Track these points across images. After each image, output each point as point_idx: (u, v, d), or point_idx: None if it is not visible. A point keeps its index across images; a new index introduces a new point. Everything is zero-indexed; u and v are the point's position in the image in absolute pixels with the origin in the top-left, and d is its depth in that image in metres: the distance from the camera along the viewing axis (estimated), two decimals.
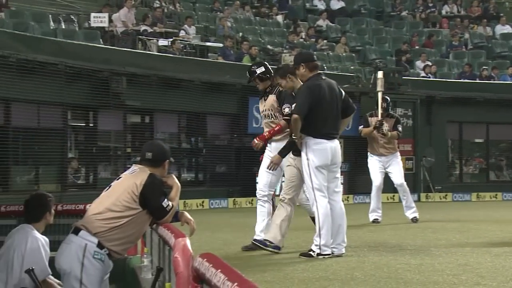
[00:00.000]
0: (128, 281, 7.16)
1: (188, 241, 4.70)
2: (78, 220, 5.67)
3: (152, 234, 6.80)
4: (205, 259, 3.60)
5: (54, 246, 6.09)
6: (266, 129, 8.67)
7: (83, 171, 18.85)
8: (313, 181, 7.74)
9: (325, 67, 21.72)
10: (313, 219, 8.14)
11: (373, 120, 12.39)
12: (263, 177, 8.72)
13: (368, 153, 12.70)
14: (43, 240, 6.18)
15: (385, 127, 12.21)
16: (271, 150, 8.55)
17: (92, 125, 18.90)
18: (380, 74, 12.82)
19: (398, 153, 12.69)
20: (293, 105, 7.85)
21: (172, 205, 5.61)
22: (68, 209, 8.55)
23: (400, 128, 12.54)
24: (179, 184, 5.96)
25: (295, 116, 7.68)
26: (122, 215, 5.42)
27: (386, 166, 12.48)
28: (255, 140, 8.56)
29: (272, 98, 8.61)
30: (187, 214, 5.87)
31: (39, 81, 16.25)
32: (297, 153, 7.93)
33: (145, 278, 6.48)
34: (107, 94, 17.92)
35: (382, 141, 12.39)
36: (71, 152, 18.95)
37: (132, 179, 5.56)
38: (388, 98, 12.82)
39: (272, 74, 8.63)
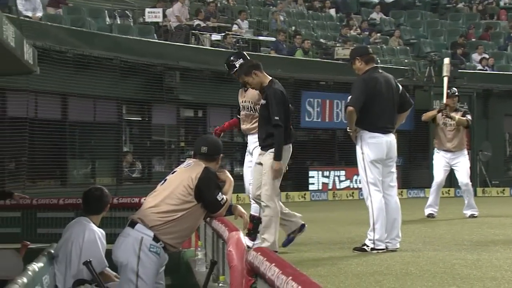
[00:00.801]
0: (182, 273, 7.23)
1: (241, 235, 4.73)
2: (133, 213, 5.73)
3: (206, 228, 6.85)
4: (259, 253, 3.62)
5: (111, 238, 6.19)
6: (244, 123, 8.31)
7: (138, 165, 19.06)
8: (367, 175, 7.69)
9: (379, 61, 21.51)
10: (254, 217, 7.89)
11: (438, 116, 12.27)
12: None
13: (435, 148, 12.51)
14: (100, 232, 6.28)
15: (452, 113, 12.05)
16: (249, 144, 8.40)
17: (146, 119, 19.10)
18: (446, 60, 12.81)
19: (466, 151, 12.44)
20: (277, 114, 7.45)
21: (226, 199, 5.65)
22: (123, 202, 8.67)
23: (469, 117, 12.28)
24: (232, 178, 5.99)
25: (350, 108, 7.64)
26: (177, 209, 5.47)
27: (452, 163, 12.25)
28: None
29: (254, 91, 8.07)
30: (240, 208, 5.90)
31: (95, 76, 16.52)
32: (265, 148, 7.61)
33: (199, 271, 6.53)
34: (160, 89, 18.11)
35: (449, 135, 12.17)
36: (126, 146, 19.17)
37: (187, 172, 5.60)
38: (456, 90, 12.57)
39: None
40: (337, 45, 22.61)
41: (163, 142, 20.03)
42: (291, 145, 7.71)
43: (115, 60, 17.07)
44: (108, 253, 5.90)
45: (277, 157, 7.48)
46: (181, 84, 18.50)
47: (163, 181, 5.74)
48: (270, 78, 7.74)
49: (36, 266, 5.36)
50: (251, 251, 3.77)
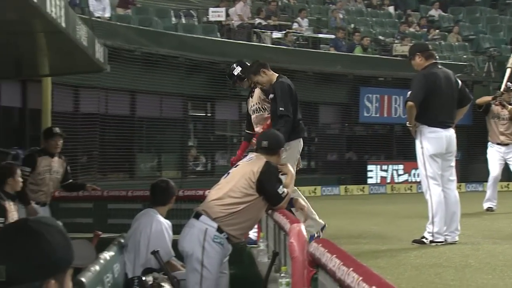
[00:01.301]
0: (245, 263, 7.24)
1: (303, 227, 4.71)
2: (198, 205, 5.77)
3: (267, 220, 6.85)
4: (320, 245, 3.59)
5: (177, 229, 6.24)
6: (257, 126, 7.92)
7: (202, 159, 19.23)
8: (427, 169, 7.58)
9: (437, 57, 21.12)
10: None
11: (494, 108, 12.00)
12: None
13: (489, 142, 12.24)
14: (167, 223, 6.34)
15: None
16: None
17: (209, 114, 19.27)
18: None
19: None
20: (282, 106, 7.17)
21: (287, 192, 5.63)
22: (188, 194, 8.76)
23: None
24: (293, 171, 5.97)
25: (409, 103, 7.54)
26: (240, 201, 5.48)
27: (507, 157, 11.97)
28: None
29: (257, 91, 7.85)
30: (301, 201, 5.88)
31: (161, 73, 16.71)
32: None
33: (261, 261, 6.54)
34: (224, 85, 18.19)
35: (502, 128, 11.90)
36: (191, 140, 19.37)
37: (249, 166, 5.61)
38: None
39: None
40: (396, 41, 22.33)
41: (225, 136, 20.16)
42: (301, 140, 7.39)
43: (180, 58, 17.27)
44: (175, 244, 5.96)
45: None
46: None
47: (226, 175, 5.76)
48: (278, 74, 7.55)
49: (107, 255, 5.45)
50: (313, 243, 3.75)
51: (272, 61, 18.82)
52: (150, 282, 5.57)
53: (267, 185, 5.51)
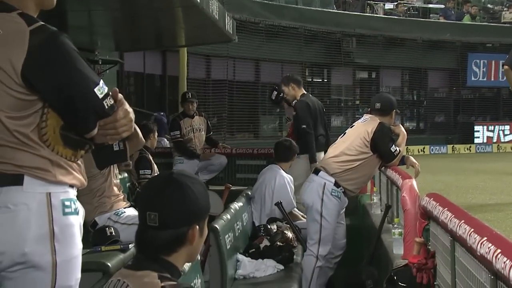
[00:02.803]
0: (360, 215, 7.21)
1: (414, 182, 4.62)
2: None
3: (380, 176, 6.76)
4: (431, 198, 3.51)
5: None
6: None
7: None
8: None
9: None
10: None
11: None
12: None
13: None
14: (288, 178, 6.39)
15: None
16: None
17: (326, 80, 19.23)
18: None
19: None
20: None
21: (399, 150, 5.52)
22: None
23: None
24: (405, 132, 5.83)
25: (505, 67, 7.20)
26: (355, 159, 5.43)
27: None
28: None
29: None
30: (412, 158, 5.74)
31: (282, 43, 16.77)
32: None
33: (375, 213, 6.48)
34: (339, 53, 18.18)
35: None
36: None
37: (364, 127, 5.53)
38: None
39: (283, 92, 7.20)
40: (504, 9, 21.21)
41: (340, 100, 20.09)
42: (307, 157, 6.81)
43: (300, 29, 17.31)
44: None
45: (311, 159, 6.76)
46: (357, 49, 18.53)
47: (342, 134, 5.72)
48: (303, 92, 7.16)
49: (237, 205, 5.57)
50: (424, 197, 3.67)
51: (384, 30, 18.63)
52: (275, 230, 5.65)
53: (380, 144, 5.42)
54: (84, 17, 7.12)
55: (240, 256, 5.05)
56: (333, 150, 5.62)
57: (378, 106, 5.62)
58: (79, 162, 2.28)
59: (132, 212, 5.12)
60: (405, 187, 4.55)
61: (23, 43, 2.10)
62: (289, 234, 5.57)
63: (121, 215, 5.05)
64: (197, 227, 1.96)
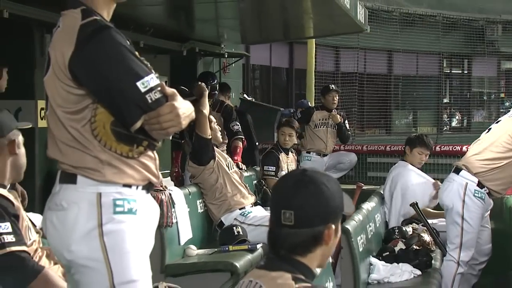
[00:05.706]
0: (505, 219, 6.88)
1: None
2: (455, 160, 5.57)
3: None
4: None
5: None
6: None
7: (457, 115, 18.67)
8: None
9: None
10: None
11: None
12: None
13: None
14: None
15: None
16: None
17: (466, 72, 18.64)
18: None
19: None
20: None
21: None
22: (445, 150, 8.48)
23: None
24: None
25: None
26: (502, 156, 5.18)
27: None
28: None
29: None
30: None
31: (418, 32, 16.44)
32: None
33: None
34: (482, 42, 17.54)
35: None
36: (446, 97, 18.89)
37: (511, 121, 5.26)
38: None
39: None
40: None
41: (482, 93, 19.37)
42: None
43: (438, 16, 16.90)
44: None
45: None
46: (503, 37, 17.80)
47: (487, 130, 5.47)
48: None
49: (369, 205, 5.48)
50: None
51: None
52: (410, 233, 5.51)
53: None
54: (211, 9, 7.30)
55: (374, 260, 4.97)
56: (476, 147, 5.39)
57: None
58: (145, 159, 2.35)
59: (258, 212, 5.19)
60: None
61: (72, 37, 2.24)
62: (426, 237, 5.42)
63: (248, 215, 5.14)
64: (333, 226, 1.94)
